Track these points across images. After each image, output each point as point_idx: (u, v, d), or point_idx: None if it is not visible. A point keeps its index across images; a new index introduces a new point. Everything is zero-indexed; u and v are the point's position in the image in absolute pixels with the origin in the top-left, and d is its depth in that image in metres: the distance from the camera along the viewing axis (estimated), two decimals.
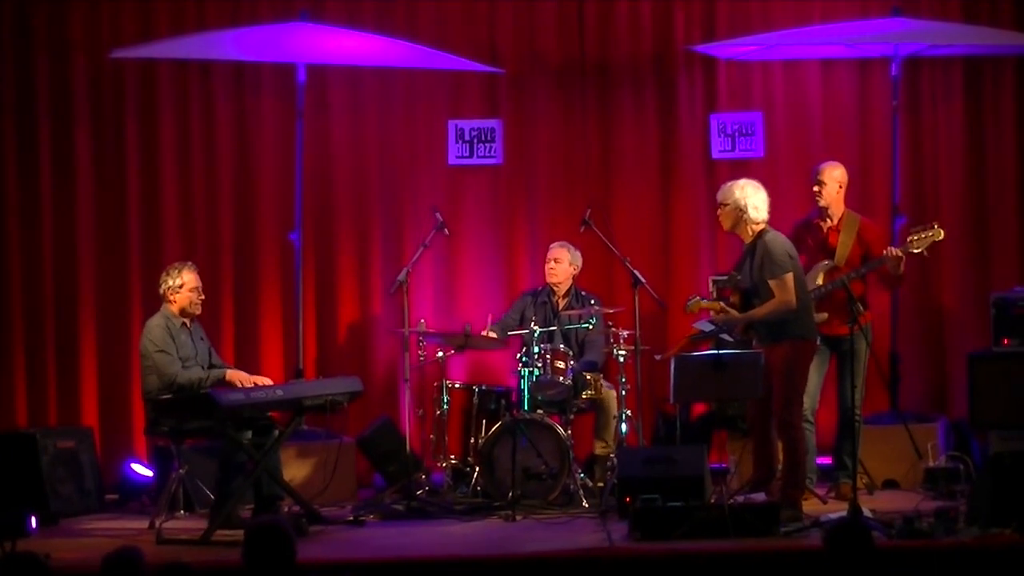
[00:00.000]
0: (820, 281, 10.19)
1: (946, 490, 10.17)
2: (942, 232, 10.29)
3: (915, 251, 10.31)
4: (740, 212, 9.47)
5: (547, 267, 11.33)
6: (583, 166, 12.23)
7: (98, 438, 11.55)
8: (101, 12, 12.13)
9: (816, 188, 10.45)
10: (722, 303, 9.55)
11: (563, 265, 11.30)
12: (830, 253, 10.38)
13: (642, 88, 12.21)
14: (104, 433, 11.85)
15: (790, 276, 9.32)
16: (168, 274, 10.29)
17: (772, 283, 9.30)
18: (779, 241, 9.45)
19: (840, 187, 10.50)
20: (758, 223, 9.48)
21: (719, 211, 9.62)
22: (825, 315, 9.93)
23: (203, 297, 10.37)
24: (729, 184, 9.61)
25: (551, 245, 11.41)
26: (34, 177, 12.07)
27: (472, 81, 12.24)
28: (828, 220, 10.48)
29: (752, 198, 9.47)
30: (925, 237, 10.28)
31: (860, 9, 11.82)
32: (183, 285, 10.23)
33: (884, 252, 10.27)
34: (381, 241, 12.21)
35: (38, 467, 10.71)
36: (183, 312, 10.24)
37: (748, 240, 9.51)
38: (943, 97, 12.07)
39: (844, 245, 10.38)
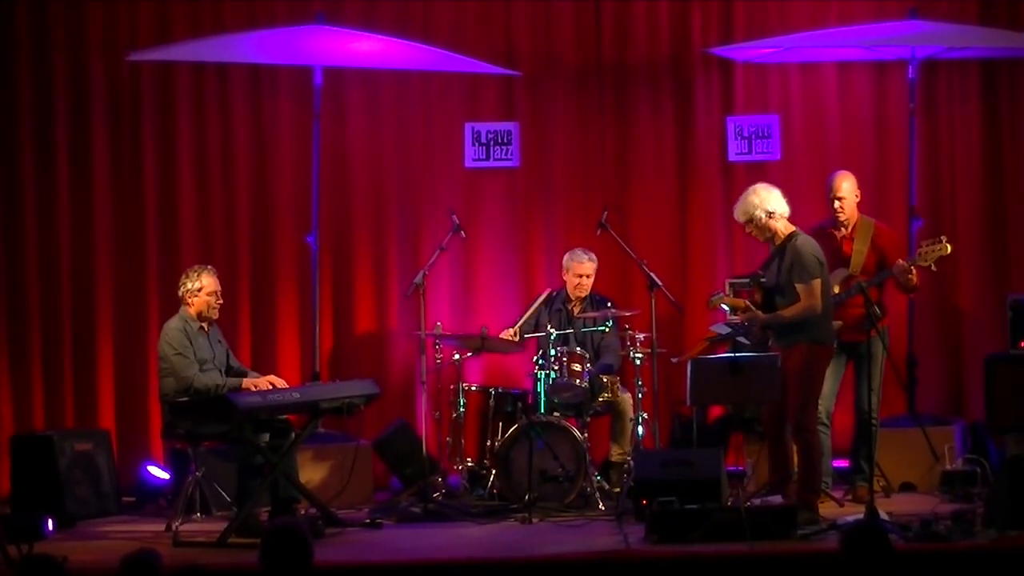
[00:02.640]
0: (836, 290, 10.14)
1: (963, 493, 10.15)
2: (949, 247, 10.23)
3: (923, 264, 10.27)
4: (766, 217, 9.42)
5: (577, 281, 11.18)
6: (600, 168, 12.22)
7: (115, 440, 11.54)
8: (118, 14, 12.15)
9: (837, 203, 10.38)
10: (746, 301, 9.53)
11: (592, 279, 11.24)
12: (845, 261, 10.33)
13: (659, 90, 12.21)
14: (121, 435, 11.85)
15: (818, 282, 9.30)
16: (188, 277, 10.26)
17: (800, 287, 9.28)
18: (810, 246, 9.42)
19: (857, 197, 10.47)
20: (784, 218, 9.43)
21: (747, 228, 9.53)
22: (840, 323, 9.88)
23: (221, 302, 10.32)
24: (741, 200, 9.51)
25: (577, 257, 11.24)
26: (51, 179, 12.08)
27: (488, 84, 12.24)
28: (842, 229, 10.43)
29: (769, 201, 9.42)
30: (932, 251, 10.22)
31: (876, 11, 11.80)
32: (202, 289, 10.20)
33: (894, 264, 10.25)
34: (398, 244, 12.22)
35: (55, 469, 10.72)
36: (200, 316, 10.21)
37: (778, 242, 9.47)
38: (960, 99, 12.06)
39: (859, 253, 10.34)
